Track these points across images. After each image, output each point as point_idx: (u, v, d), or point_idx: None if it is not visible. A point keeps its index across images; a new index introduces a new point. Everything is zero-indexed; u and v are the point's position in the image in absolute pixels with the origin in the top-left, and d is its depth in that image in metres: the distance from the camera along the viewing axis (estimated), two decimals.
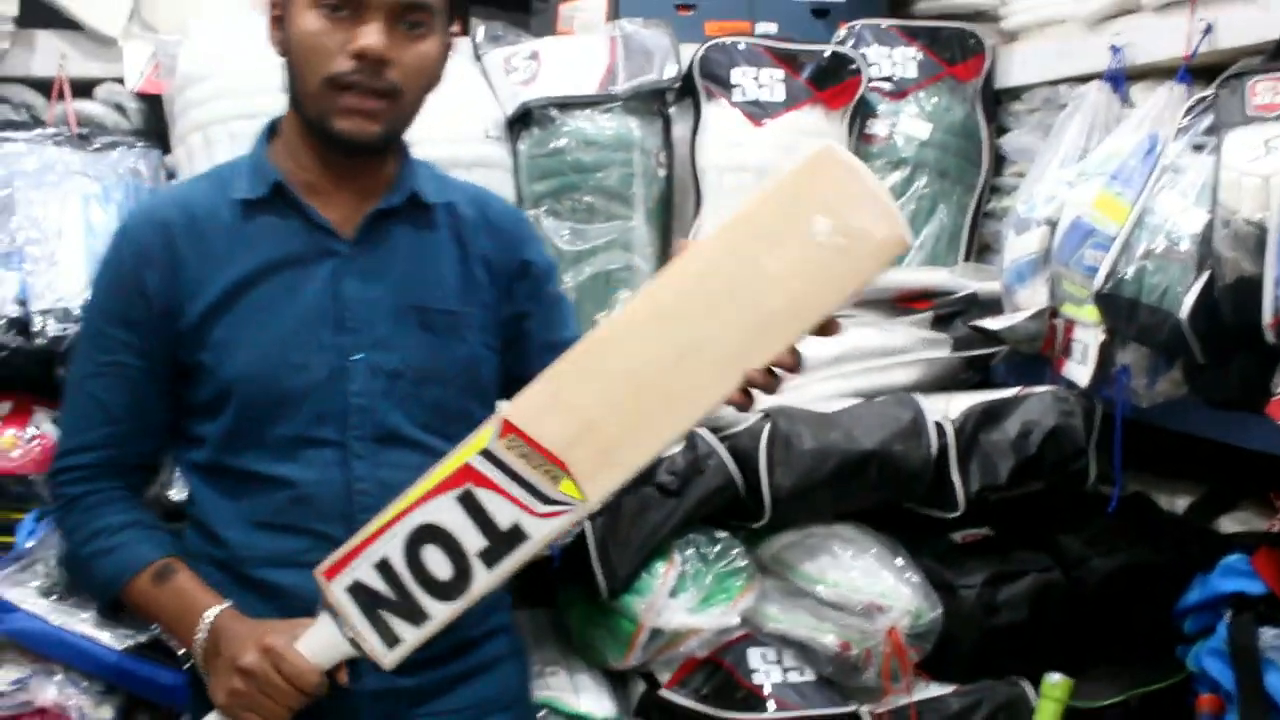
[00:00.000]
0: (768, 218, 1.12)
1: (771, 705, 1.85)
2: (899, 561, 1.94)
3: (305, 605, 1.22)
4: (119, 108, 2.20)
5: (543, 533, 1.15)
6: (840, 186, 1.09)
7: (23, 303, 1.99)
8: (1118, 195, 1.78)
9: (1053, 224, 1.95)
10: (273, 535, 1.29)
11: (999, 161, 2.42)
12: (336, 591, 1.18)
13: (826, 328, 1.11)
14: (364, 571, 1.17)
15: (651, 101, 2.15)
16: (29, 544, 1.94)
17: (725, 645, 1.89)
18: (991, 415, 1.97)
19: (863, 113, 2.36)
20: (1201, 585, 1.83)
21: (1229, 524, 2.00)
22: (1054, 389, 1.99)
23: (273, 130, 1.35)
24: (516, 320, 1.41)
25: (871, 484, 1.89)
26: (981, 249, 2.42)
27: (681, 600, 1.83)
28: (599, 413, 1.13)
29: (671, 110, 2.21)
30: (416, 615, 1.16)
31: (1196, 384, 1.73)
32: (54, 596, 1.90)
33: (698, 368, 1.11)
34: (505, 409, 1.17)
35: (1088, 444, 1.96)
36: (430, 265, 1.33)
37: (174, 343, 1.28)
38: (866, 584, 1.87)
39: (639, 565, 1.84)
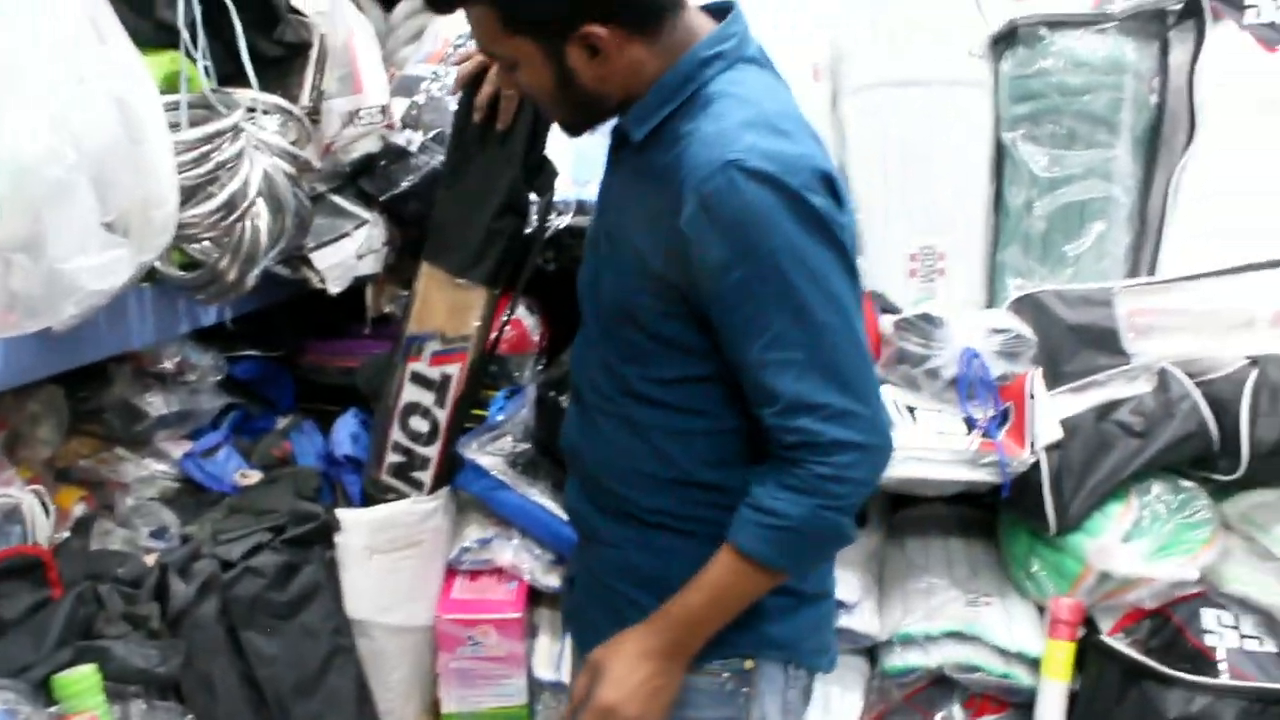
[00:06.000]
0: None
1: (1224, 672, 1.72)
2: None
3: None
4: None
5: None
6: None
7: None
8: None
9: None
10: None
11: None
12: None
13: None
14: None
15: (1150, 22, 2.01)
16: (499, 417, 2.11)
17: (1177, 600, 1.79)
18: None
19: None
20: None
21: None
22: None
23: None
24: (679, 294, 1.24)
25: None
26: None
27: (1136, 546, 1.74)
28: None
29: (1170, 33, 2.05)
30: None
31: None
32: (517, 467, 2.06)
33: None
34: None
35: None
36: (627, 191, 1.30)
37: None
38: None
39: (1093, 505, 1.78)
